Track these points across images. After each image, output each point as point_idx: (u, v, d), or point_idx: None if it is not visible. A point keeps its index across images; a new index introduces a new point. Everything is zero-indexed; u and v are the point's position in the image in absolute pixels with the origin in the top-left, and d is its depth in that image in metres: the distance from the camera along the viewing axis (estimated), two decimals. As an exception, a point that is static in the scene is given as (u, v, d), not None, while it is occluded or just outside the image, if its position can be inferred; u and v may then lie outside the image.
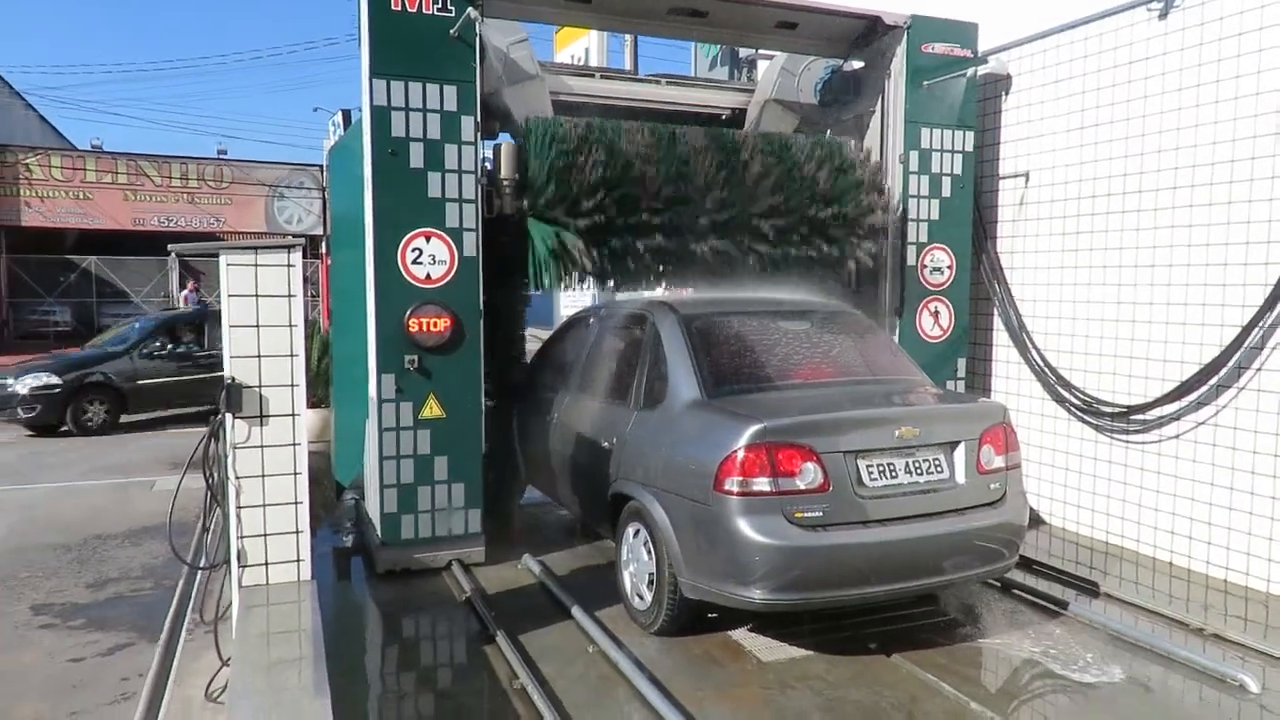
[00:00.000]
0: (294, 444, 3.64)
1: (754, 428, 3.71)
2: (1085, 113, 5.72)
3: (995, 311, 6.38)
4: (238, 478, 3.57)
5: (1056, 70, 5.92)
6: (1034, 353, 6.06)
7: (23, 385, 10.48)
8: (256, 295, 3.56)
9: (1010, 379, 6.34)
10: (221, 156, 24.95)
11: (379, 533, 5.03)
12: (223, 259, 3.53)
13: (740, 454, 3.69)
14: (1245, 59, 4.78)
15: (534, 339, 6.61)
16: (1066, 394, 5.82)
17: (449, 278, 4.98)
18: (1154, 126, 5.28)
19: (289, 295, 3.60)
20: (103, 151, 24.14)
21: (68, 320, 22.34)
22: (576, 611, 4.31)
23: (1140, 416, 5.35)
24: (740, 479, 3.68)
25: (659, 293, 6.23)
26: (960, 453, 4.03)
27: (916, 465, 3.95)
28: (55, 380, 10.63)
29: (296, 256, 3.63)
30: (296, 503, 3.66)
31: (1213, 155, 4.96)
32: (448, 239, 4.96)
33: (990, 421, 4.17)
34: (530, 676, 3.60)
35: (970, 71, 5.94)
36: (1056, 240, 5.95)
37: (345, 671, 3.69)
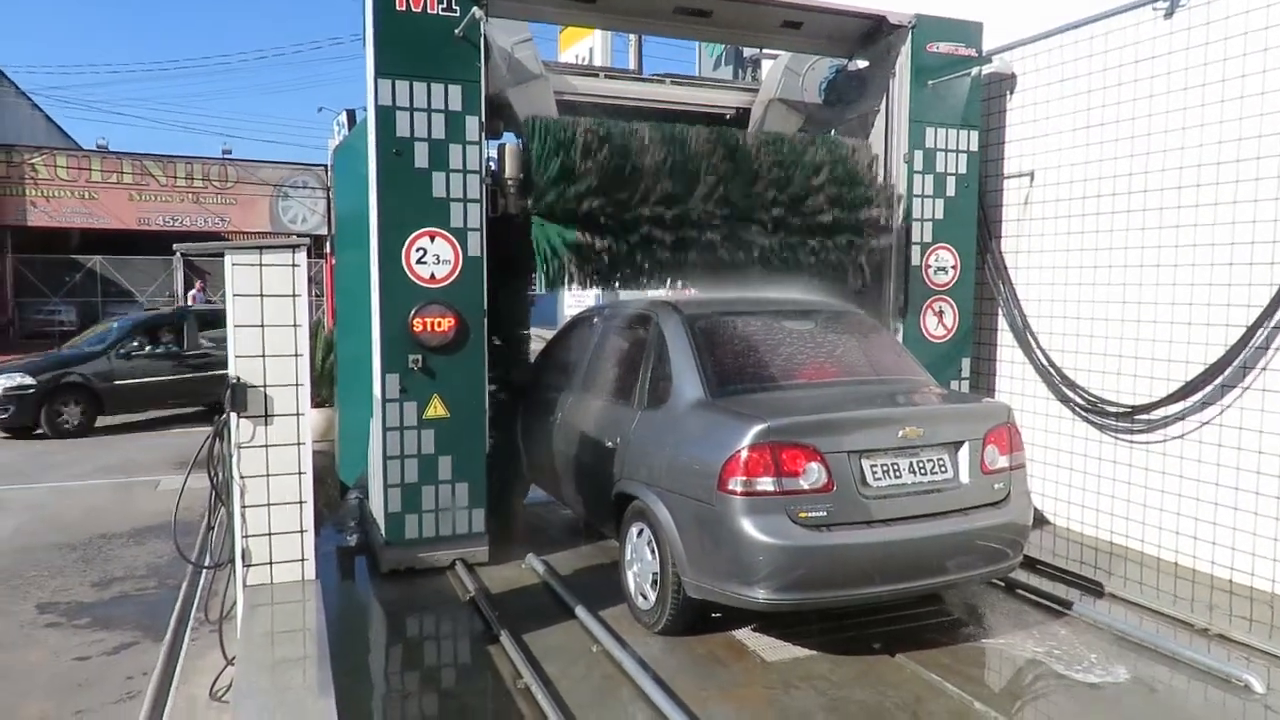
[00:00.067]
0: (298, 443, 3.64)
1: (757, 427, 3.71)
2: (1090, 112, 5.70)
3: (1000, 311, 6.37)
4: (242, 477, 3.57)
5: (1061, 70, 5.91)
6: (1039, 352, 6.04)
7: None
8: (261, 295, 3.56)
9: (1015, 379, 6.33)
10: (226, 156, 24.99)
11: (383, 532, 5.03)
12: (228, 259, 3.54)
13: (744, 454, 3.69)
14: (1251, 58, 4.77)
15: (538, 339, 6.62)
16: (1071, 394, 5.81)
17: (453, 277, 4.98)
18: (1159, 126, 5.27)
19: (294, 295, 3.61)
20: (108, 151, 24.19)
21: (73, 320, 22.36)
22: (580, 611, 4.31)
23: (1145, 416, 5.34)
24: (744, 479, 3.68)
25: (663, 292, 6.23)
26: (964, 453, 4.03)
27: (920, 465, 3.94)
28: (29, 381, 10.37)
29: (301, 256, 3.64)
30: (301, 502, 3.66)
31: (1218, 155, 4.94)
32: (452, 239, 4.97)
33: (994, 421, 4.17)
34: (534, 676, 3.60)
35: (975, 71, 5.93)
36: (1061, 240, 5.94)
37: (349, 671, 3.70)
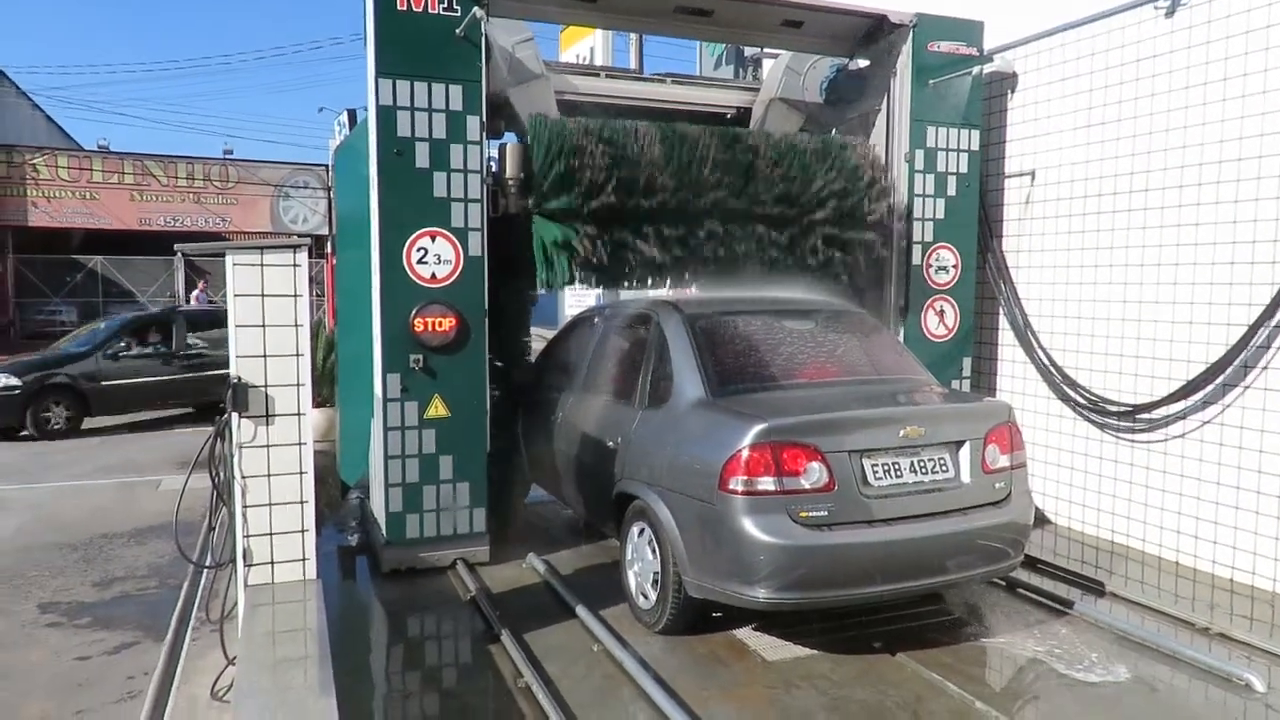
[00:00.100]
0: (300, 443, 3.65)
1: (758, 427, 3.71)
2: (1091, 111, 5.70)
3: (1001, 310, 6.36)
4: (244, 477, 3.58)
5: (1063, 69, 5.91)
6: (1040, 352, 6.04)
7: None
8: (262, 295, 3.57)
9: (1016, 378, 6.33)
10: (227, 156, 25.00)
11: (384, 532, 5.04)
12: (229, 259, 3.54)
13: (745, 453, 3.69)
14: (1252, 57, 4.77)
15: (539, 338, 6.62)
16: (1072, 393, 5.81)
17: (454, 277, 4.99)
18: (1160, 125, 5.27)
19: (295, 295, 3.61)
20: (109, 152, 24.21)
21: (74, 320, 22.33)
22: (581, 611, 4.31)
23: (1146, 415, 5.34)
24: (745, 478, 3.68)
25: (664, 292, 6.23)
26: (965, 452, 4.03)
27: (921, 465, 3.94)
28: (15, 382, 10.28)
29: (302, 256, 3.64)
30: (302, 502, 3.67)
31: (1219, 154, 4.94)
32: (453, 238, 4.97)
33: (995, 421, 4.17)
34: (535, 676, 3.61)
35: (976, 70, 5.93)
36: (1062, 239, 5.94)
37: (350, 670, 3.70)
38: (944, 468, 3.99)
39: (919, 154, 5.94)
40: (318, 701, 2.75)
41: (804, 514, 3.68)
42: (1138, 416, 5.39)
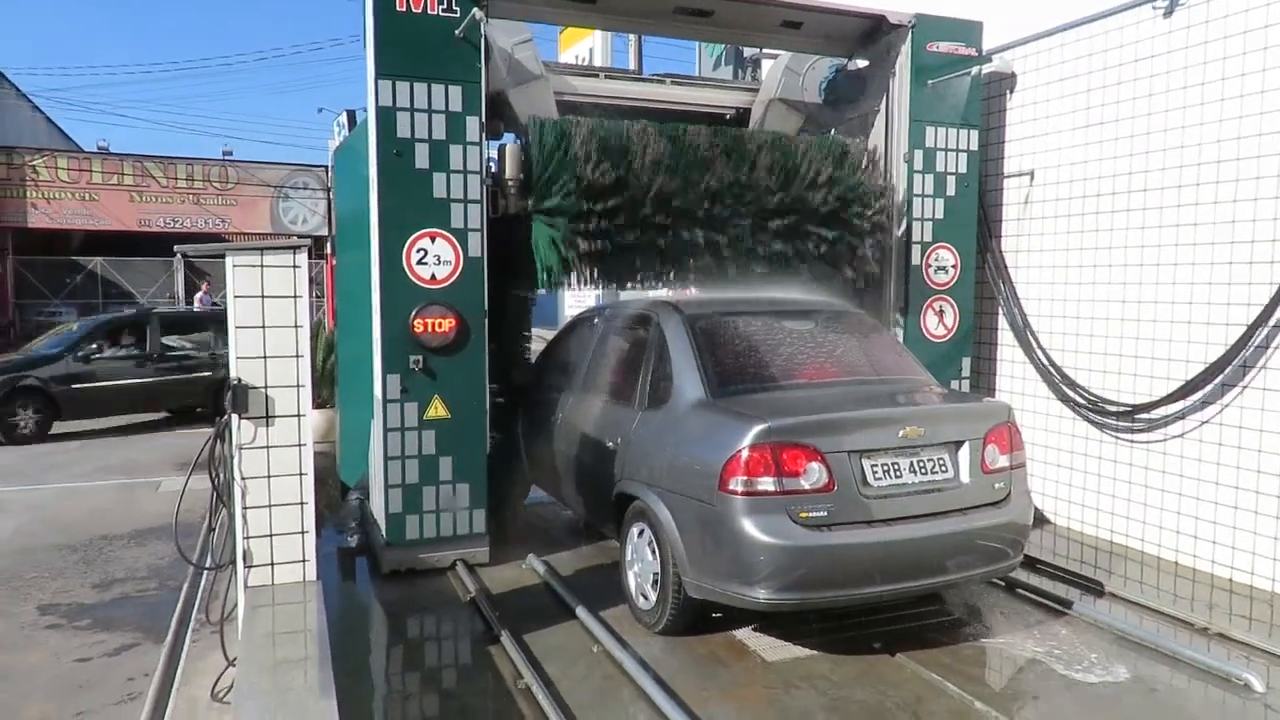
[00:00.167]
0: (299, 445, 3.65)
1: (758, 427, 3.71)
2: (1090, 111, 5.71)
3: (1000, 310, 6.37)
4: (243, 478, 3.58)
5: (1061, 69, 5.91)
6: (1039, 352, 6.05)
7: None
8: (262, 296, 3.57)
9: (1015, 378, 6.33)
10: (226, 158, 24.99)
11: (384, 533, 5.04)
12: (229, 260, 3.55)
13: (745, 454, 3.69)
14: (1250, 57, 4.77)
15: (538, 339, 6.62)
16: (1071, 393, 5.81)
17: (454, 278, 4.99)
18: (1159, 125, 5.27)
19: (294, 296, 3.61)
20: (109, 153, 24.20)
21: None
22: (581, 611, 4.31)
23: (1145, 415, 5.34)
24: (745, 479, 3.68)
25: (663, 292, 6.23)
26: (965, 452, 4.03)
27: (921, 465, 3.94)
28: None
29: (302, 257, 3.64)
30: (302, 503, 3.67)
31: (1218, 153, 4.95)
32: (453, 239, 4.97)
33: (995, 421, 4.17)
34: (535, 677, 3.61)
35: (975, 70, 5.94)
36: (1061, 239, 5.94)
37: (351, 671, 3.71)
38: (943, 468, 3.99)
39: (918, 154, 5.94)
40: (318, 703, 2.75)
41: (804, 514, 3.68)
42: (1137, 416, 5.39)
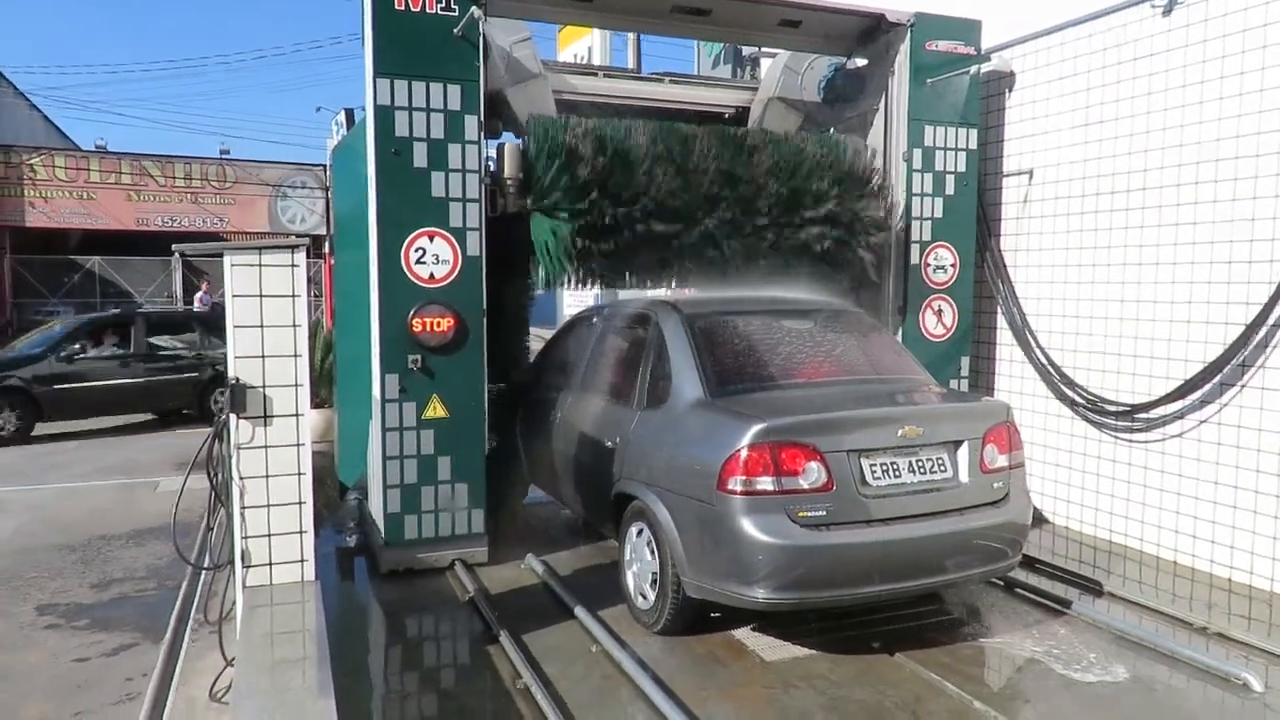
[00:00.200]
0: (298, 444, 3.64)
1: (757, 427, 3.71)
2: (1089, 110, 5.70)
3: (999, 310, 6.36)
4: (242, 478, 3.57)
5: (1060, 67, 5.91)
6: (1038, 351, 6.04)
7: None
8: (260, 295, 3.56)
9: (1014, 377, 6.33)
10: (224, 156, 24.96)
11: (382, 533, 5.03)
12: (227, 259, 3.54)
13: (743, 453, 3.69)
14: (1249, 55, 4.77)
15: (537, 338, 6.61)
16: (1070, 392, 5.81)
17: (452, 277, 4.98)
18: (1158, 124, 5.27)
19: (293, 295, 3.60)
20: (106, 152, 24.16)
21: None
22: (580, 611, 4.31)
23: (1144, 415, 5.34)
24: (743, 478, 3.68)
25: (662, 292, 6.23)
26: (964, 452, 4.03)
27: (920, 464, 3.94)
28: None
29: (300, 256, 3.63)
30: (300, 503, 3.66)
31: (1217, 152, 4.94)
32: (451, 238, 4.97)
33: (994, 420, 4.17)
34: (534, 676, 3.61)
35: (974, 69, 5.93)
36: (1060, 238, 5.94)
37: (349, 671, 3.70)
38: (942, 467, 3.99)
39: (917, 153, 5.94)
40: (316, 703, 2.75)
41: (802, 514, 3.68)
42: (1136, 416, 5.39)
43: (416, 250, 4.90)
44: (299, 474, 3.65)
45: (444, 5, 4.86)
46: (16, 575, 5.58)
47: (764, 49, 9.31)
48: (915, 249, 5.98)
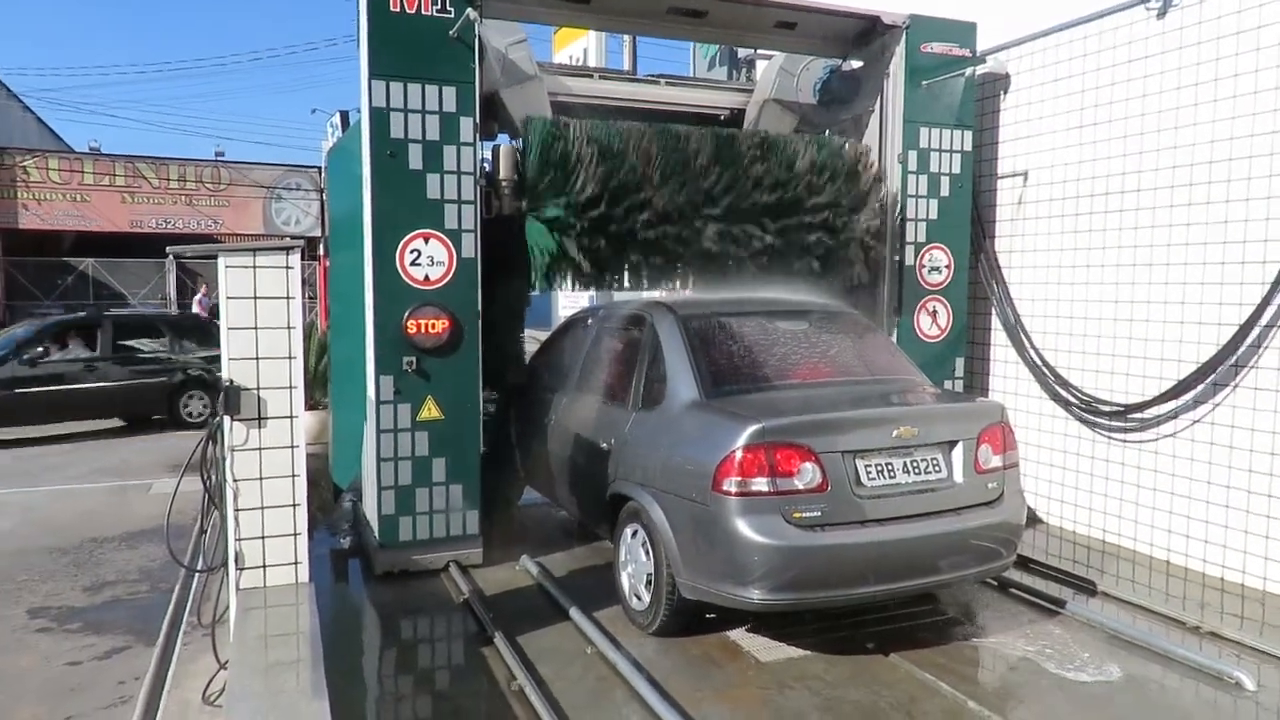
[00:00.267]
0: (292, 446, 3.63)
1: (752, 428, 3.71)
2: (1084, 112, 5.72)
3: (993, 311, 6.38)
4: (235, 480, 3.56)
5: (1055, 69, 5.93)
6: (1032, 352, 6.06)
7: None
8: (255, 297, 3.55)
9: (1008, 378, 6.34)
10: (219, 158, 24.92)
11: (377, 534, 5.02)
12: (221, 261, 3.53)
13: (739, 454, 3.69)
14: (1243, 58, 4.79)
15: (532, 340, 6.61)
16: (1064, 393, 5.83)
17: (447, 279, 4.98)
18: (1152, 125, 5.29)
19: (287, 297, 3.59)
20: (100, 154, 24.12)
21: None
22: (574, 613, 4.31)
23: (1138, 415, 5.36)
24: (739, 479, 3.68)
25: (657, 293, 6.23)
26: (958, 452, 4.04)
27: (914, 465, 3.95)
28: None
29: (295, 258, 3.62)
30: (294, 505, 3.65)
31: (1210, 154, 4.96)
32: (446, 240, 4.96)
33: (988, 421, 4.18)
34: (528, 678, 3.60)
35: (969, 71, 5.95)
36: (1055, 239, 5.96)
37: (343, 673, 3.70)
38: (937, 468, 3.99)
39: (912, 155, 5.95)
40: (310, 705, 2.74)
41: (797, 514, 3.68)
42: (1129, 416, 5.41)
43: (411, 252, 4.90)
44: (293, 476, 3.64)
45: (439, 7, 4.86)
46: (8, 578, 5.55)
47: (760, 51, 9.32)
48: (910, 250, 6.00)
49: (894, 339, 5.82)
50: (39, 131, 27.47)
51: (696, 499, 3.83)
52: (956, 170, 6.08)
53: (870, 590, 3.84)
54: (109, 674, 4.22)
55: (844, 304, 5.47)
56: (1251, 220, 4.77)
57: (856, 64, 6.42)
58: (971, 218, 6.26)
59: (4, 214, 21.89)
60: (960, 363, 6.22)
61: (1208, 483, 4.98)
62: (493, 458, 5.64)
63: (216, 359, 11.37)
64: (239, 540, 3.59)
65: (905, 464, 3.93)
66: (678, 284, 5.93)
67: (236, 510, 3.57)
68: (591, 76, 6.55)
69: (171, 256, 4.46)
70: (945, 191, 6.07)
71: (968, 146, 6.10)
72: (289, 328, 3.60)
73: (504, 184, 5.22)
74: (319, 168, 22.56)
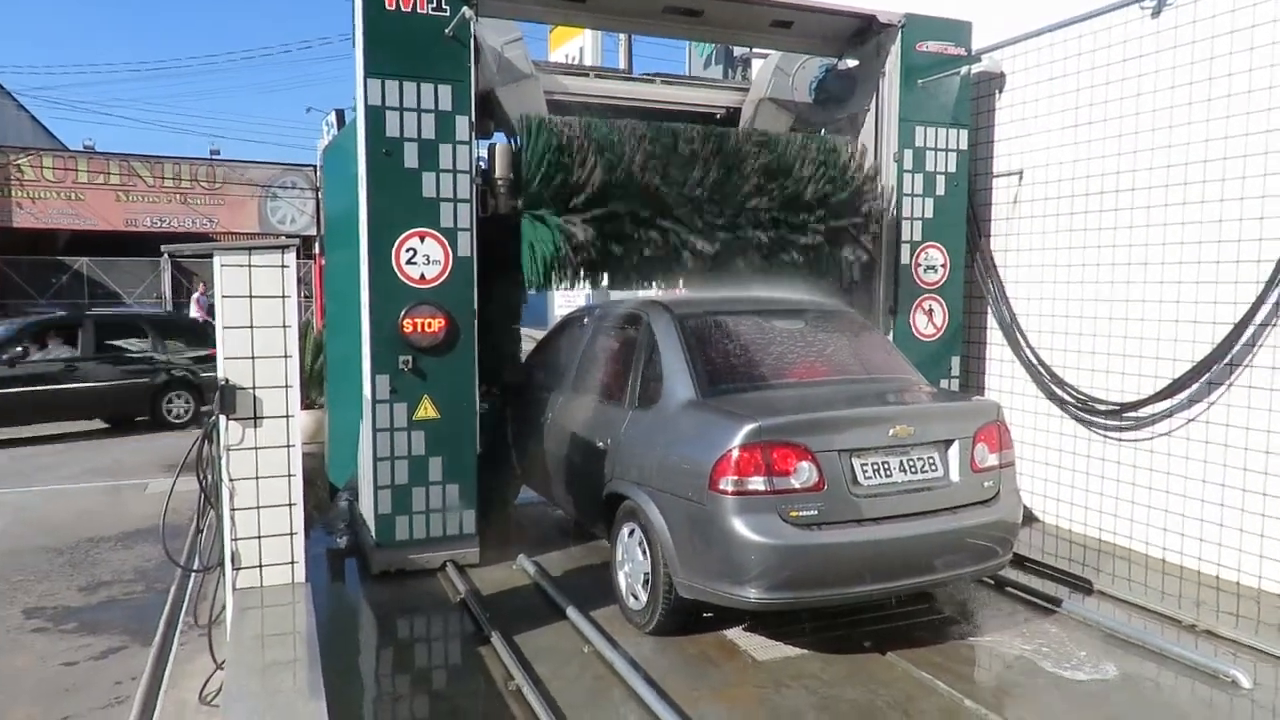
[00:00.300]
0: (288, 446, 3.62)
1: (749, 427, 3.71)
2: (1079, 110, 5.73)
3: (989, 309, 6.39)
4: (231, 480, 3.55)
5: (1050, 68, 5.94)
6: (1027, 350, 6.07)
7: None
8: (250, 296, 3.54)
9: (1004, 377, 6.35)
10: (214, 157, 24.87)
11: (373, 534, 5.02)
12: (216, 260, 3.52)
13: (735, 453, 3.69)
14: (1237, 57, 4.80)
15: (528, 339, 6.60)
16: (1060, 391, 5.84)
17: (443, 278, 4.97)
18: (1146, 124, 5.30)
19: (283, 296, 3.58)
20: (95, 152, 24.04)
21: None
22: (572, 612, 4.30)
23: (1133, 414, 5.37)
24: (735, 478, 3.68)
25: (653, 292, 6.23)
26: (954, 451, 4.04)
27: (911, 464, 3.95)
28: None
29: (291, 257, 3.61)
30: (291, 505, 3.64)
31: (1205, 153, 4.98)
32: (442, 239, 4.95)
33: (984, 419, 4.18)
34: (525, 677, 3.60)
35: (964, 70, 5.96)
36: (1050, 238, 5.97)
37: (340, 673, 3.69)
38: (933, 467, 4.00)
39: (907, 154, 5.96)
40: (307, 705, 2.74)
41: (794, 513, 3.69)
42: (1125, 415, 5.42)
43: (407, 251, 4.89)
44: (289, 475, 3.63)
45: (435, 5, 4.85)
46: (3, 578, 5.54)
47: (755, 50, 9.30)
48: (906, 249, 6.00)
49: (890, 338, 5.82)
50: (33, 129, 27.37)
51: (693, 498, 3.83)
52: (952, 169, 6.09)
53: (867, 589, 3.85)
54: (105, 674, 4.21)
55: (840, 303, 5.48)
56: (1246, 219, 4.78)
57: (852, 63, 6.42)
58: (967, 216, 6.27)
59: (-2, 213, 21.82)
60: (956, 361, 6.23)
61: (1203, 481, 5.00)
62: (489, 457, 5.63)
63: (201, 359, 11.37)
64: (235, 540, 3.59)
65: (901, 463, 3.93)
66: (674, 283, 5.93)
67: (232, 510, 3.57)
68: (587, 75, 6.54)
69: (167, 255, 4.45)
70: (941, 190, 6.07)
71: (963, 145, 6.11)
72: (285, 326, 3.59)
73: (500, 183, 5.21)
74: (314, 166, 22.51)
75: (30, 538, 6.41)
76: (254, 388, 3.56)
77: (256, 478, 3.59)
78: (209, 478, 3.69)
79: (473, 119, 4.98)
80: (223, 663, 3.54)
